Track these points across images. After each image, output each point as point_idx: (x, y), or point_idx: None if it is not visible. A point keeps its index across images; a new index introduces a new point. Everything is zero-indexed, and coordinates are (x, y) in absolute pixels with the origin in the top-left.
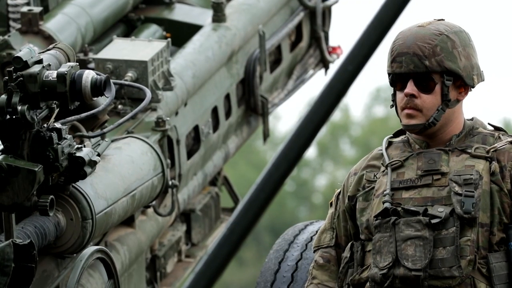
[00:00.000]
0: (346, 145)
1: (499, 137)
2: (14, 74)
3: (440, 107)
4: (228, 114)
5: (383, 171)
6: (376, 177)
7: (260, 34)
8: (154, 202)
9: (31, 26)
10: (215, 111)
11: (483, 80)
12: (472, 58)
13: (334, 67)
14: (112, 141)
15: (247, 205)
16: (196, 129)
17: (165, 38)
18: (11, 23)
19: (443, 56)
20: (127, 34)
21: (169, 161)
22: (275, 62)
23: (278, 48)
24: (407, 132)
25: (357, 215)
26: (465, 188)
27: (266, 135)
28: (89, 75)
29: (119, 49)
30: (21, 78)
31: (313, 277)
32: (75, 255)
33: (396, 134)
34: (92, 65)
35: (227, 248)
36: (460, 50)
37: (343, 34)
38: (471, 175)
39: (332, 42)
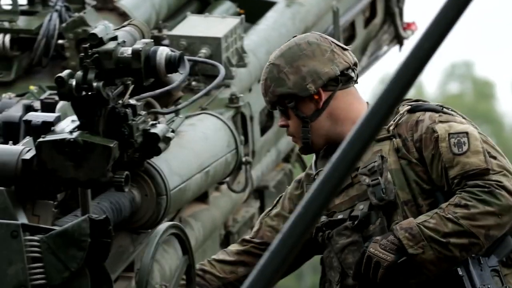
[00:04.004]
0: None
1: (398, 111)
2: (90, 51)
3: (302, 126)
4: None
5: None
6: None
7: (334, 10)
8: (227, 179)
9: (106, 3)
10: None
11: (334, 75)
12: (303, 68)
13: (408, 44)
14: (186, 117)
15: (321, 183)
16: None
17: (239, 14)
18: (87, 0)
19: (273, 85)
20: (201, 11)
21: (242, 137)
22: (349, 39)
23: (352, 25)
24: None
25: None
26: (372, 177)
27: None
28: (163, 52)
29: (193, 25)
30: (97, 55)
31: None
32: (150, 230)
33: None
34: (166, 41)
35: (301, 226)
36: (286, 70)
37: (418, 10)
38: (374, 162)
39: (407, 18)
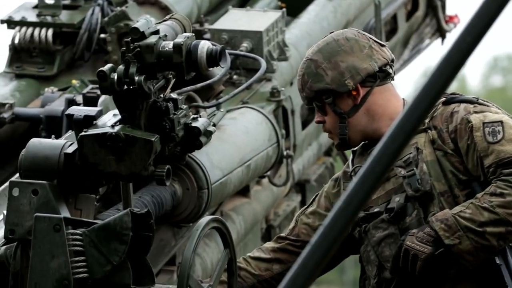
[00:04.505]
0: None
1: None
2: (131, 44)
3: (339, 122)
4: None
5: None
6: None
7: (376, 3)
8: (269, 172)
9: None
10: None
11: (373, 70)
12: (341, 64)
13: (451, 37)
14: (228, 111)
15: (363, 177)
16: None
17: (280, 8)
18: None
19: (311, 81)
20: (242, 4)
21: (284, 131)
22: (390, 32)
23: (394, 18)
24: None
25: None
26: (407, 168)
27: None
28: (204, 46)
29: (235, 19)
30: (138, 49)
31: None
32: (191, 224)
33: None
34: (207, 35)
35: (343, 220)
36: (324, 66)
37: (461, 2)
38: (409, 154)
39: (449, 11)
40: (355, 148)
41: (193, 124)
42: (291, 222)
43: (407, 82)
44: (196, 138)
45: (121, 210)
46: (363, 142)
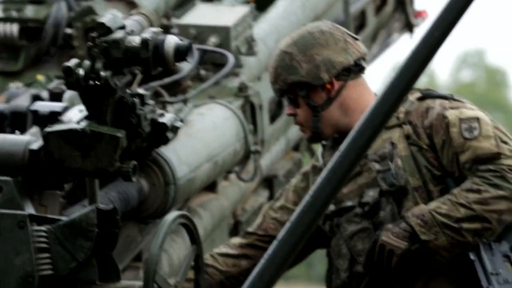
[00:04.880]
0: None
1: (407, 98)
2: (98, 40)
3: (312, 115)
4: None
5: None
6: None
7: None
8: (236, 168)
9: None
10: None
11: (348, 64)
12: (317, 57)
13: (419, 32)
14: (195, 106)
15: (331, 172)
16: None
17: (248, 3)
18: None
19: (285, 73)
20: None
21: (251, 126)
22: (359, 27)
23: (363, 13)
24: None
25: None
26: (382, 163)
27: None
28: (172, 41)
29: (202, 14)
30: (105, 44)
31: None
32: (158, 220)
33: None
34: (175, 30)
35: (310, 215)
36: (299, 59)
37: None
38: (384, 148)
39: (418, 6)
40: (324, 142)
41: (160, 120)
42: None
43: (376, 77)
44: (163, 134)
45: (87, 206)
46: (334, 136)
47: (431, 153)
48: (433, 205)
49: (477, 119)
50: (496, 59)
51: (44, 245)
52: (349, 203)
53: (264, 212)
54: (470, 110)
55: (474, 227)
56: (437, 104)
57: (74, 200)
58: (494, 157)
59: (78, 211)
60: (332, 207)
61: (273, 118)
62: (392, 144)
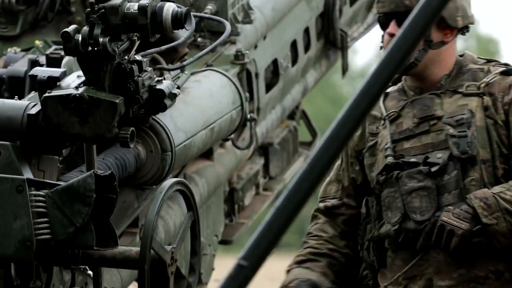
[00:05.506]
0: None
1: (489, 70)
2: (96, 6)
3: (421, 47)
4: (307, 48)
5: (383, 124)
6: (379, 129)
7: None
8: (232, 135)
9: None
10: (294, 44)
11: (472, 23)
12: (458, 1)
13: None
14: (192, 74)
15: (327, 141)
16: (275, 62)
17: None
18: None
19: None
20: None
21: (247, 94)
22: None
23: None
24: (402, 80)
25: (367, 171)
26: (459, 129)
27: (345, 69)
28: (170, 8)
29: None
30: (103, 10)
31: (321, 229)
32: (154, 187)
33: (393, 82)
34: None
35: (307, 184)
36: None
37: None
38: (463, 114)
39: None
40: (388, 90)
41: (158, 87)
42: (254, 185)
43: (369, 46)
44: (160, 101)
45: (85, 172)
46: (399, 84)
47: (504, 130)
48: (497, 189)
49: None
50: (488, 29)
51: (42, 210)
52: (412, 159)
53: (337, 177)
54: None
55: None
56: None
57: (71, 166)
58: None
59: (76, 177)
60: (391, 159)
61: (269, 86)
62: (471, 112)
